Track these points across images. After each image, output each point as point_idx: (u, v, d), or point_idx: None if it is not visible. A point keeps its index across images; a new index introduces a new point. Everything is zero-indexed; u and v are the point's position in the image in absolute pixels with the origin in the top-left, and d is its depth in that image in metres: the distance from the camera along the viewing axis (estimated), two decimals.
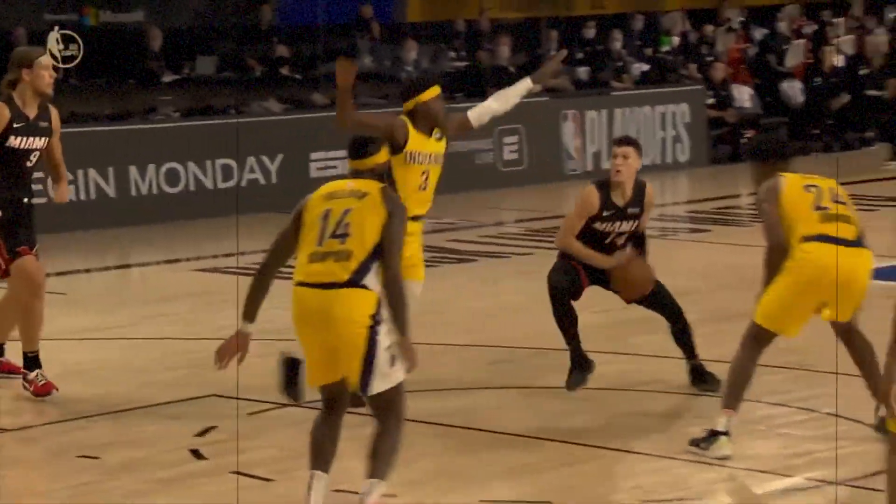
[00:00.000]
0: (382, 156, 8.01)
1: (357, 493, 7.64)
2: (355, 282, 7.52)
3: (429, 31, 22.23)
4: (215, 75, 20.23)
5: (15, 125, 9.84)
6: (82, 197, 16.09)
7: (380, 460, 7.62)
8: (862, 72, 23.61)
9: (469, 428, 9.82)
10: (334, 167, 18.38)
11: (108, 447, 9.45)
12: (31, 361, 10.08)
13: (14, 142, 9.86)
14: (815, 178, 9.29)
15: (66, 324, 10.60)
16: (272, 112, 19.42)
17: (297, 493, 7.74)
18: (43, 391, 10.09)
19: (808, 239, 9.01)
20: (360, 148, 7.99)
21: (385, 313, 7.57)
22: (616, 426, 9.89)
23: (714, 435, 9.06)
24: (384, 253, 7.59)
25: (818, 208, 9.07)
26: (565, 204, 19.33)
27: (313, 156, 18.41)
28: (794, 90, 23.41)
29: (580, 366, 10.28)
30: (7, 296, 10.16)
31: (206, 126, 18.38)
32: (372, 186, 7.77)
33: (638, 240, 10.62)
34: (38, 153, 10.07)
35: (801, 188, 9.13)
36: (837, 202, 9.12)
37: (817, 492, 8.72)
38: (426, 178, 9.85)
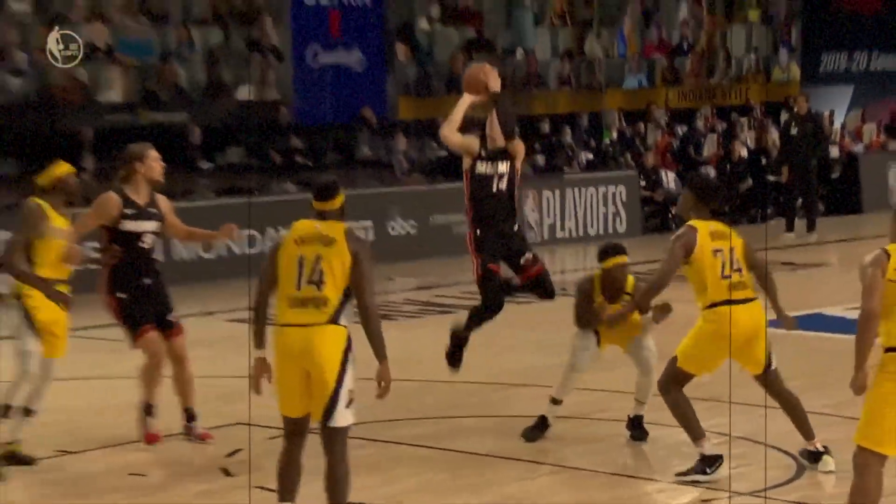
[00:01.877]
0: (342, 197, 7.54)
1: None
2: (332, 321, 7.24)
3: (415, 127, 22.23)
4: (243, 163, 20.23)
5: (126, 211, 9.53)
6: None
7: (337, 496, 7.34)
8: (762, 161, 23.75)
9: (444, 449, 9.72)
10: None
11: (154, 466, 9.43)
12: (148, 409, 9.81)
13: (127, 226, 9.54)
14: (722, 235, 9.07)
15: (125, 365, 10.55)
16: (288, 192, 19.42)
17: (307, 502, 7.66)
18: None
19: (719, 304, 8.86)
20: (326, 191, 7.51)
21: (353, 351, 7.25)
22: (568, 448, 9.81)
23: (712, 460, 8.87)
24: (356, 290, 7.28)
25: (724, 277, 8.90)
26: None
27: None
28: (709, 175, 23.51)
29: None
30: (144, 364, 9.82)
31: (235, 204, 18.34)
32: (337, 230, 7.35)
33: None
34: (151, 236, 9.73)
35: (710, 252, 8.91)
36: (735, 270, 8.97)
37: (728, 502, 8.62)
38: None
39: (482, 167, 9.95)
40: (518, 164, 10.08)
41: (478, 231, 9.98)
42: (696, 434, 8.97)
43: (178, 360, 9.75)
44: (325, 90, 21.56)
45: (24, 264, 9.13)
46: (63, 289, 9.23)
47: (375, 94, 22.16)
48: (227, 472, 9.18)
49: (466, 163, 10.06)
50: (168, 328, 9.71)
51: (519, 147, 10.13)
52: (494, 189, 9.95)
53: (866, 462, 7.02)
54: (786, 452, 9.39)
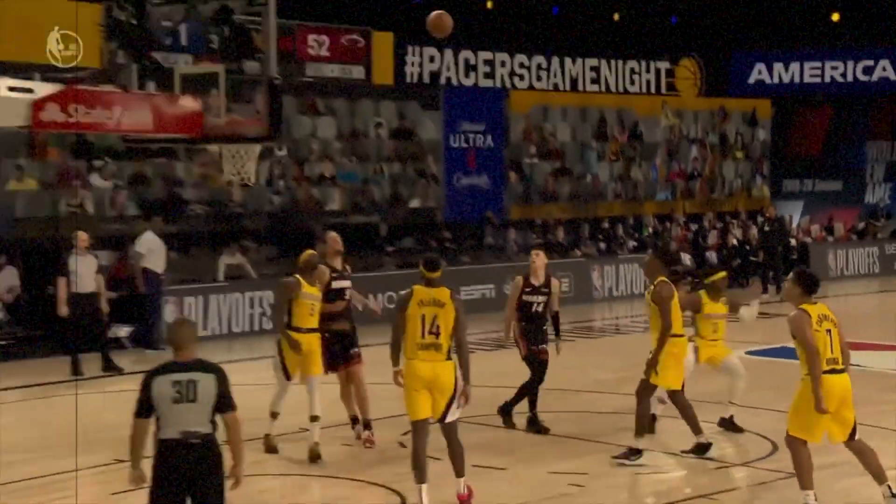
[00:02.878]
0: (442, 269, 7.35)
1: None
2: (447, 358, 7.26)
3: (522, 223, 22.20)
4: (413, 248, 20.29)
5: (333, 275, 9.28)
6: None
7: (459, 462, 7.35)
8: (746, 248, 23.35)
9: (543, 434, 9.62)
10: (472, 294, 18.34)
11: (357, 442, 9.37)
12: (354, 420, 9.44)
13: (334, 284, 9.23)
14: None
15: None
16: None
17: (446, 466, 7.50)
18: (368, 443, 9.36)
19: (679, 335, 8.67)
20: (434, 264, 7.37)
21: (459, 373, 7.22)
22: (619, 433, 9.52)
23: (637, 452, 8.53)
24: (457, 334, 7.24)
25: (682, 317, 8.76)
26: (596, 314, 19.18)
27: (463, 288, 18.29)
28: (712, 257, 23.14)
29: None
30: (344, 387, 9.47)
31: (408, 274, 18.40)
32: (445, 295, 7.29)
33: (554, 318, 9.76)
34: (347, 290, 9.42)
35: (678, 300, 8.68)
36: (684, 313, 8.83)
37: (729, 469, 8.51)
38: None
39: (526, 297, 9.77)
40: (553, 297, 9.81)
41: (523, 323, 9.81)
42: (639, 433, 8.57)
43: (357, 383, 9.35)
44: (464, 201, 21.64)
45: (283, 319, 9.01)
46: (312, 336, 8.96)
47: (496, 203, 22.19)
48: (402, 445, 9.12)
49: (519, 290, 9.82)
50: (352, 359, 9.35)
51: (556, 285, 9.94)
52: (532, 311, 9.76)
53: (797, 444, 7.01)
54: (763, 437, 9.14)
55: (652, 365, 8.51)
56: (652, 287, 8.66)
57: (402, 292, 7.43)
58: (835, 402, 6.90)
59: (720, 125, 27.54)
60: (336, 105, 21.54)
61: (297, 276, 9.07)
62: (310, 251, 9.23)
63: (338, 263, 9.36)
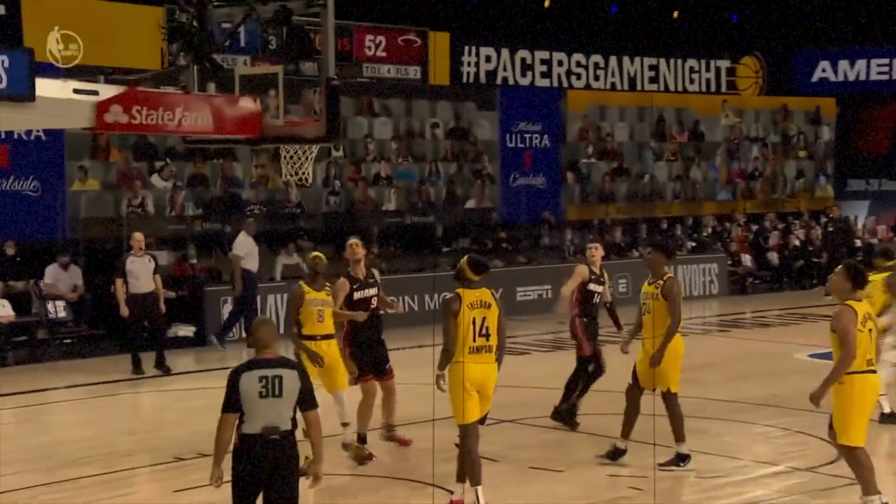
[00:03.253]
0: None
1: None
2: (495, 360, 7.26)
3: (579, 224, 22.08)
4: (468, 248, 20.15)
5: (354, 286, 8.79)
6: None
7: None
8: (809, 249, 22.97)
9: (600, 435, 9.47)
10: (528, 295, 18.26)
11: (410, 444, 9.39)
12: (362, 440, 8.90)
13: (356, 295, 8.75)
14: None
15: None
16: (496, 266, 19.37)
17: (500, 468, 7.50)
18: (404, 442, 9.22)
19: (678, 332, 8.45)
20: (483, 267, 7.31)
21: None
22: (670, 434, 9.47)
23: (685, 458, 8.37)
24: (499, 332, 7.23)
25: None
26: None
27: (518, 289, 18.27)
28: (773, 258, 22.80)
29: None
30: (363, 399, 8.96)
31: None
32: (489, 296, 7.26)
33: (611, 311, 10.05)
34: (374, 298, 8.86)
35: (680, 294, 8.51)
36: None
37: (791, 474, 8.38)
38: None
39: (592, 286, 9.96)
40: (605, 287, 10.06)
41: (585, 320, 9.94)
42: (680, 437, 8.44)
43: (388, 393, 9.09)
44: (520, 201, 21.59)
45: (295, 329, 8.49)
46: (329, 343, 8.49)
47: (553, 203, 22.11)
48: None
49: (584, 279, 9.92)
50: (384, 373, 8.99)
51: (606, 274, 10.19)
52: (594, 301, 9.98)
53: (851, 452, 6.84)
54: (828, 441, 8.95)
55: (656, 362, 8.33)
56: (661, 282, 8.49)
57: (449, 296, 7.32)
58: (874, 401, 6.79)
59: (782, 124, 27.14)
60: (392, 105, 21.63)
61: (302, 283, 8.64)
62: (314, 254, 8.75)
63: (359, 272, 8.84)
